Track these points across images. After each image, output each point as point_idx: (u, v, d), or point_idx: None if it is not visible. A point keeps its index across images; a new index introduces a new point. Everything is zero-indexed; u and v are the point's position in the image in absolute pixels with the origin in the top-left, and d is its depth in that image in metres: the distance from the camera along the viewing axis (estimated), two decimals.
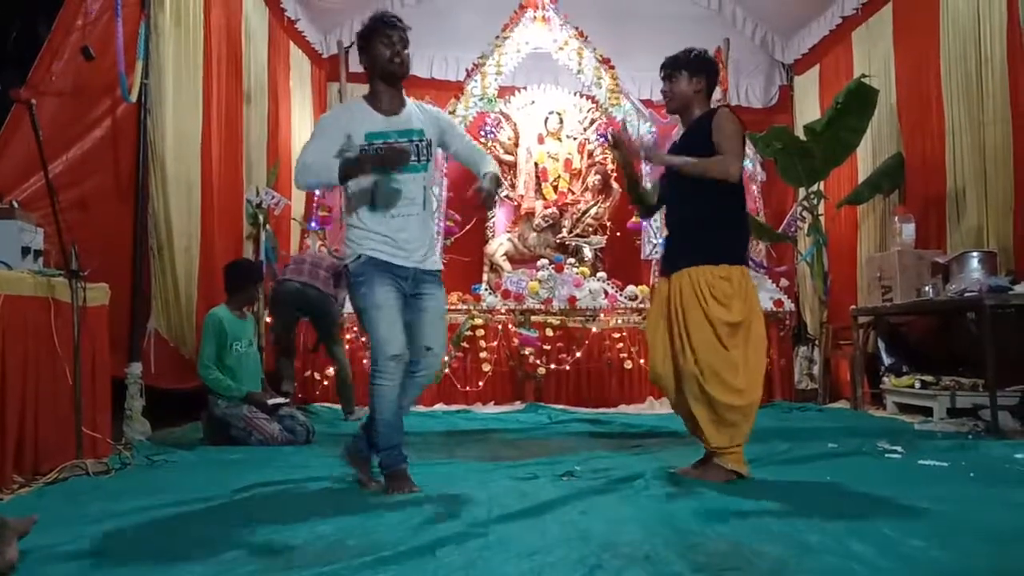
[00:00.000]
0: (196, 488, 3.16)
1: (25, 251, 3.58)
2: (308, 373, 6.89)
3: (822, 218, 7.39)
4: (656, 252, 7.82)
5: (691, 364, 3.30)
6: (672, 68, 3.53)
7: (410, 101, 3.37)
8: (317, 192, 7.84)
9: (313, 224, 7.81)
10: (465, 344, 7.05)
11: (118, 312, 4.35)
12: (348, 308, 5.36)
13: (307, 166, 3.16)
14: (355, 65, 8.75)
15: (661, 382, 3.49)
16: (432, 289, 3.27)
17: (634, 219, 8.36)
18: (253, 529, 2.51)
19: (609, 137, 3.54)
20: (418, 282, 3.23)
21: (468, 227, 8.47)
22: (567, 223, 8.79)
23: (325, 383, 6.92)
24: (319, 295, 5.84)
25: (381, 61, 3.21)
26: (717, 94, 8.22)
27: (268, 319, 6.46)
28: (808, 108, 8.86)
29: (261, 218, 6.75)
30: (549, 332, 7.21)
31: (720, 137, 3.34)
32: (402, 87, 3.33)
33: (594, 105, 8.72)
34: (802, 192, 7.46)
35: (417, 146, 3.22)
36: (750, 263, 7.18)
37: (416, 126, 3.25)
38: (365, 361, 6.71)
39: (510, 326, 7.17)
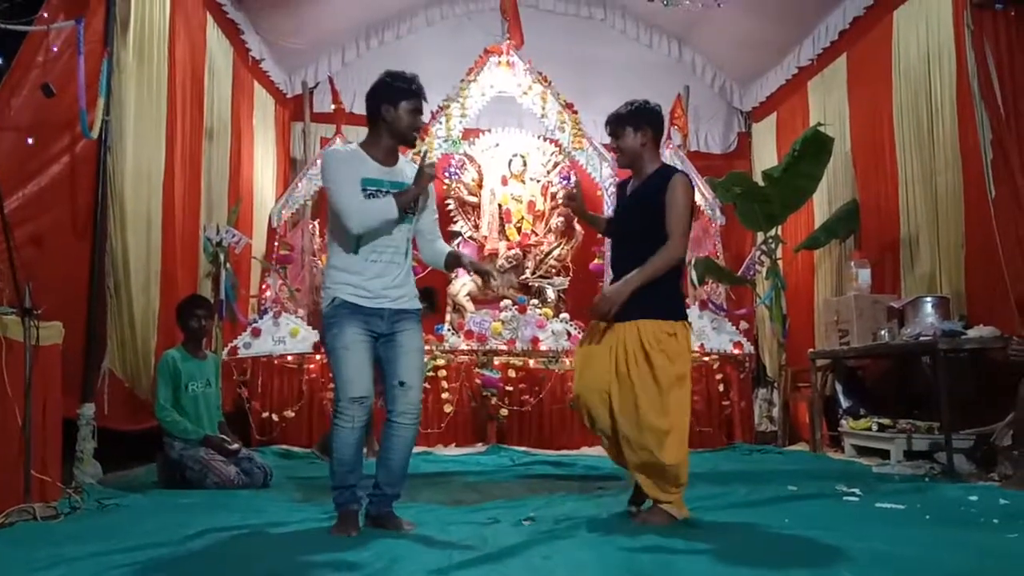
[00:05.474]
0: (148, 533, 3.07)
1: None
2: (266, 415, 6.78)
3: (780, 262, 7.52)
4: None
5: (631, 418, 3.28)
6: (616, 125, 3.57)
7: (402, 157, 3.42)
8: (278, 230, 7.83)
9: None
10: (426, 385, 6.98)
11: (72, 351, 4.26)
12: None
13: (363, 210, 3.14)
14: (319, 106, 8.85)
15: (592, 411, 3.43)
16: (407, 326, 3.26)
17: (596, 261, 8.44)
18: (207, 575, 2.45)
19: (563, 196, 3.58)
20: (393, 321, 3.22)
21: (430, 267, 8.43)
22: (530, 264, 8.84)
23: (284, 425, 6.80)
24: None
25: (403, 126, 3.27)
26: (677, 139, 8.52)
27: None
28: (766, 154, 9.07)
29: (222, 256, 6.69)
30: (512, 373, 7.19)
31: (671, 213, 3.34)
32: None
33: (557, 149, 8.86)
34: (760, 236, 7.59)
35: None
36: (710, 306, 7.36)
37: (407, 180, 3.28)
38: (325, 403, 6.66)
39: (473, 367, 7.15)
